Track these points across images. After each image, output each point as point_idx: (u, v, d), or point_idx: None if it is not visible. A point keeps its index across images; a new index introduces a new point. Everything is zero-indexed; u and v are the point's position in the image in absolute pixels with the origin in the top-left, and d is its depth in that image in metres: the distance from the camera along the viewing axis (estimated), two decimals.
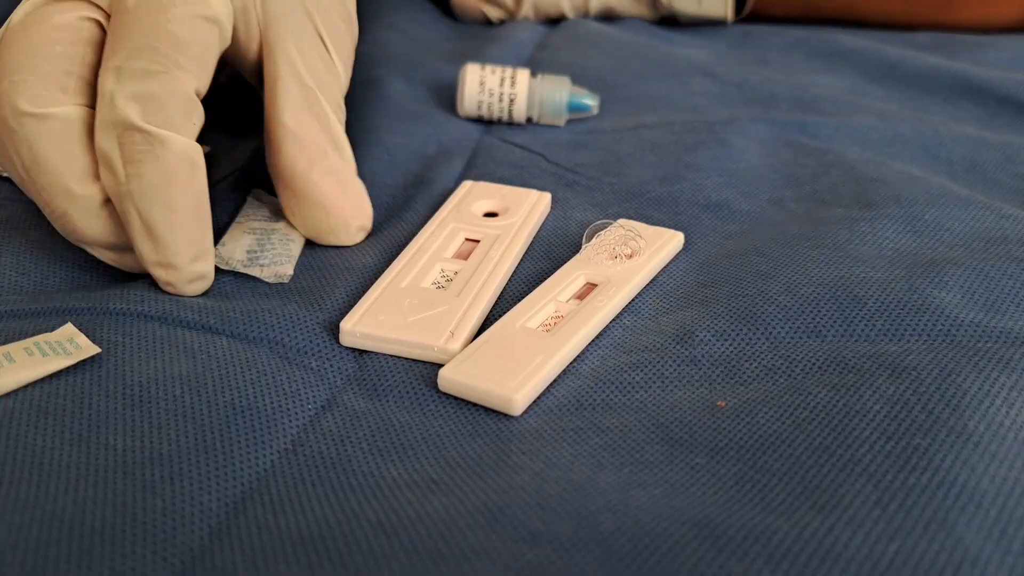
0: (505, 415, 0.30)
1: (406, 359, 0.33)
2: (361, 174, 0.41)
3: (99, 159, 0.33)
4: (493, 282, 0.36)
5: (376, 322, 0.33)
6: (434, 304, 0.34)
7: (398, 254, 0.38)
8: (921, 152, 0.48)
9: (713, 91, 0.56)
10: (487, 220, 0.40)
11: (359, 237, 0.40)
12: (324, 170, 0.38)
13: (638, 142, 0.49)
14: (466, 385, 0.31)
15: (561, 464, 0.28)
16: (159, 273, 0.34)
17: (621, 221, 0.40)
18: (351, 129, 0.42)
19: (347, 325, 0.33)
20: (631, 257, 0.37)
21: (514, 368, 0.31)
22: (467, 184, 0.43)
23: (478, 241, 0.39)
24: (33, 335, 0.32)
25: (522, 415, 0.30)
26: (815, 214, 0.41)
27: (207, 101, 0.36)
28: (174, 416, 0.29)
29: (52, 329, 0.32)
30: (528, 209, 0.41)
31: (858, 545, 0.24)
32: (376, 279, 0.37)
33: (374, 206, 0.41)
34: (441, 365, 0.32)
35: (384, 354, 0.33)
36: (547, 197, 0.42)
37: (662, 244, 0.38)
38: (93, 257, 0.36)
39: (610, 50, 0.61)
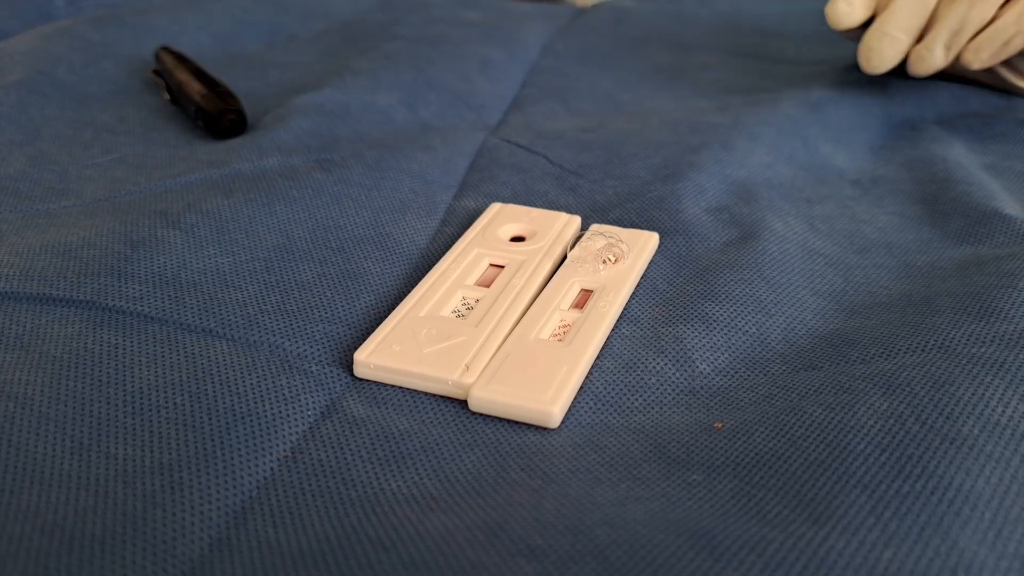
0: (503, 421, 0.30)
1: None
2: None
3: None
4: (514, 312, 0.35)
5: (390, 353, 0.32)
6: (452, 335, 0.33)
7: (412, 271, 0.38)
8: None
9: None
10: (513, 245, 0.39)
11: None
12: None
13: (640, 142, 0.49)
14: (500, 403, 0.30)
15: (559, 480, 0.28)
16: None
17: (595, 227, 0.40)
18: None
19: (361, 356, 0.32)
20: (616, 262, 0.37)
21: (543, 381, 0.31)
22: (496, 206, 0.42)
23: (503, 267, 0.38)
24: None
25: (519, 429, 0.30)
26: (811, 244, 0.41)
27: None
28: (175, 424, 0.29)
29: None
30: (556, 234, 0.40)
31: (852, 553, 0.24)
32: (386, 290, 0.37)
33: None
34: (454, 399, 0.31)
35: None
36: (576, 220, 0.41)
37: (642, 246, 0.39)
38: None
39: None
